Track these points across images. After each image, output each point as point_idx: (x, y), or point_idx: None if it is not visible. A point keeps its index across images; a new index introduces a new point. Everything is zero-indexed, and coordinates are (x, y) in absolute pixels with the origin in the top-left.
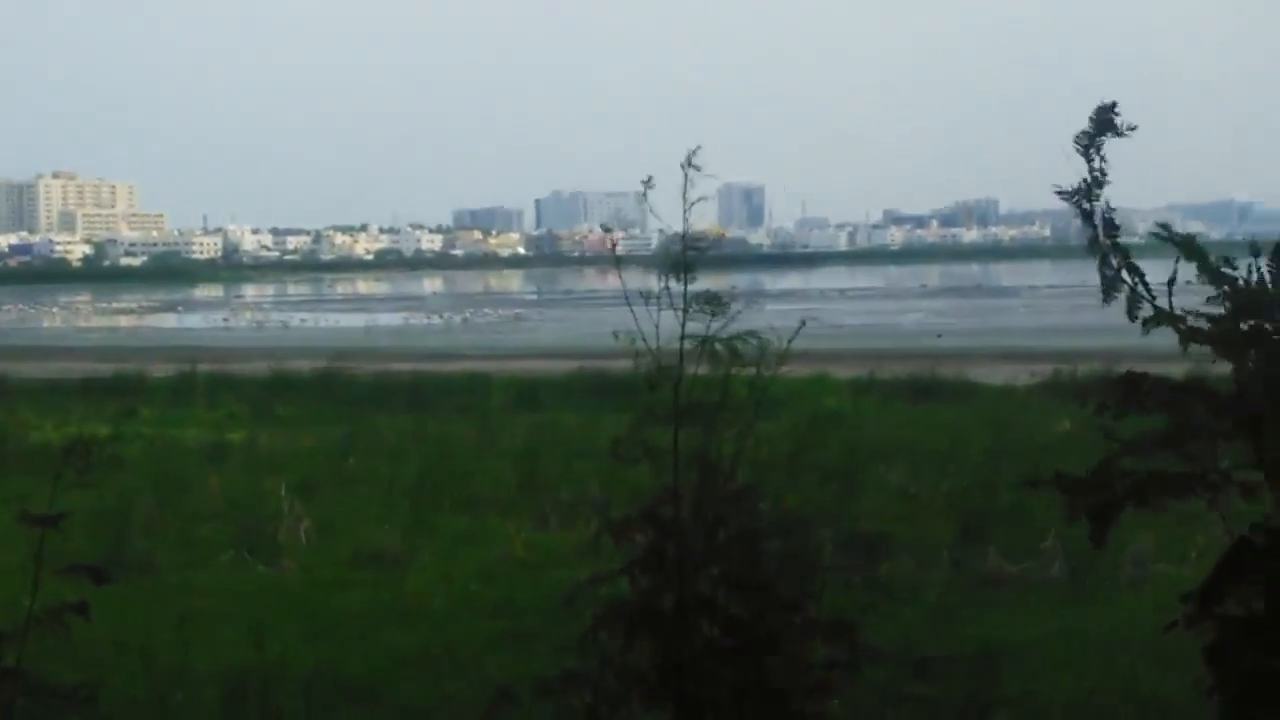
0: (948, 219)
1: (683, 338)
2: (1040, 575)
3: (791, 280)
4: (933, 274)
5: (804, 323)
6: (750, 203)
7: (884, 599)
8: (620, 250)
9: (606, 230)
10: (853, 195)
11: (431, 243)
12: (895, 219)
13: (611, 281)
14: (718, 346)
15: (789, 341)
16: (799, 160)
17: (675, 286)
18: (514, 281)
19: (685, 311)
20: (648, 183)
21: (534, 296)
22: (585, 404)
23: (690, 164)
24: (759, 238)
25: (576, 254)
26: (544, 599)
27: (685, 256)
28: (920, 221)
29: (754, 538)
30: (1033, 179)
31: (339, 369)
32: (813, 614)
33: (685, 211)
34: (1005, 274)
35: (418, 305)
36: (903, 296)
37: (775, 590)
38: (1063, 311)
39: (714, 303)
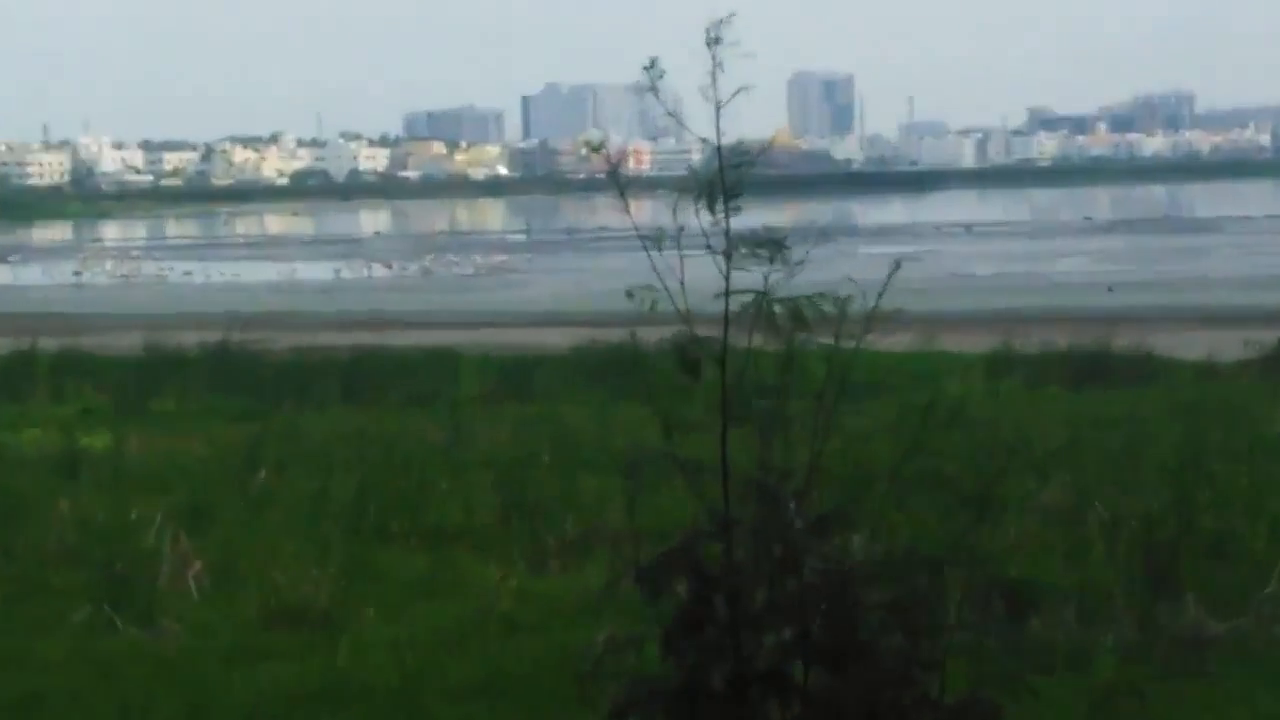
0: (1121, 120)
1: (727, 296)
2: (1259, 636)
3: (894, 210)
4: (1100, 199)
5: (899, 265)
6: (834, 100)
7: (1035, 671)
8: (650, 168)
9: (594, 148)
10: (983, 89)
11: (373, 159)
12: (1045, 121)
13: (637, 216)
14: (777, 308)
15: (880, 294)
16: (903, 41)
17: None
18: (493, 215)
19: (729, 259)
20: (653, 68)
21: (522, 237)
22: (595, 391)
23: (714, 39)
24: (847, 149)
25: (583, 174)
26: (541, 674)
27: (723, 177)
28: (1081, 125)
29: (842, 584)
30: (1245, 65)
31: (242, 343)
32: (933, 692)
33: (716, 109)
34: (1205, 199)
35: (355, 250)
36: (1057, 233)
37: (875, 658)
38: None
39: (764, 246)
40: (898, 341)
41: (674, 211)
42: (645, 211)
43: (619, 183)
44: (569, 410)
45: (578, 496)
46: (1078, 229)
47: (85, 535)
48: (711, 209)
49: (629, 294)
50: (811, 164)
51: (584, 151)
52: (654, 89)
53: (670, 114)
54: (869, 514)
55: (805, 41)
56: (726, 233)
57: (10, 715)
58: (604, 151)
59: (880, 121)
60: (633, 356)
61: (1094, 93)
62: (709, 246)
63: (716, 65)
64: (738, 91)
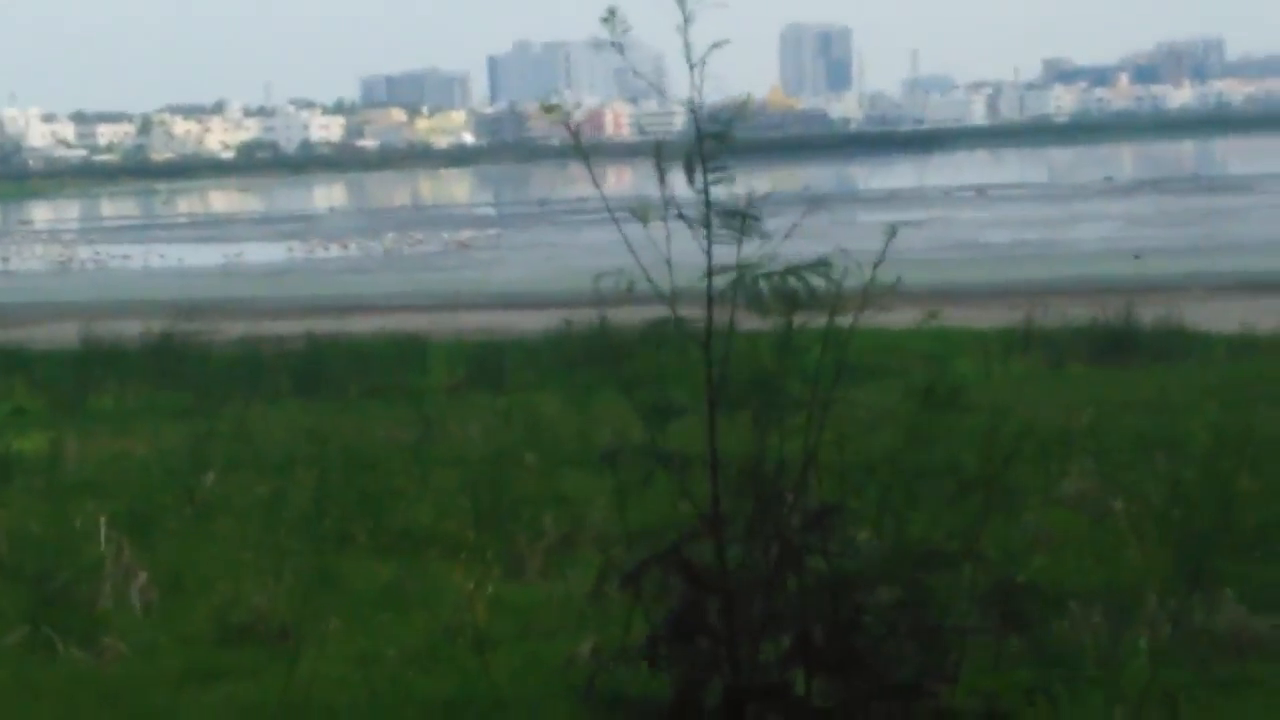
0: (1145, 71)
1: (710, 272)
2: None
3: (899, 174)
4: (1123, 157)
5: (895, 232)
6: (830, 55)
7: (1058, 678)
8: (630, 133)
9: (550, 110)
10: (994, 39)
11: (327, 129)
12: (1062, 74)
13: (616, 184)
14: (762, 284)
15: (876, 265)
16: None
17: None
18: (459, 187)
19: (709, 231)
20: (612, 19)
21: (491, 210)
22: (574, 379)
23: None
24: (846, 108)
25: (556, 141)
26: (521, 692)
27: (700, 142)
28: (1101, 76)
29: (845, 586)
30: None
31: (186, 333)
32: (948, 703)
33: (690, 66)
34: (1238, 155)
35: (309, 228)
36: (1077, 195)
37: (882, 667)
38: None
39: (738, 218)
40: (902, 318)
41: (659, 179)
42: (625, 180)
43: (582, 150)
44: (546, 400)
45: (556, 494)
46: (1099, 190)
47: (19, 548)
48: (690, 177)
49: (598, 279)
50: (807, 124)
51: (549, 116)
52: (617, 45)
53: (637, 73)
54: (872, 507)
55: None
56: (706, 203)
57: None
58: (565, 116)
59: (881, 78)
60: (610, 343)
61: (1115, 41)
62: (681, 217)
63: (687, 17)
64: (714, 46)
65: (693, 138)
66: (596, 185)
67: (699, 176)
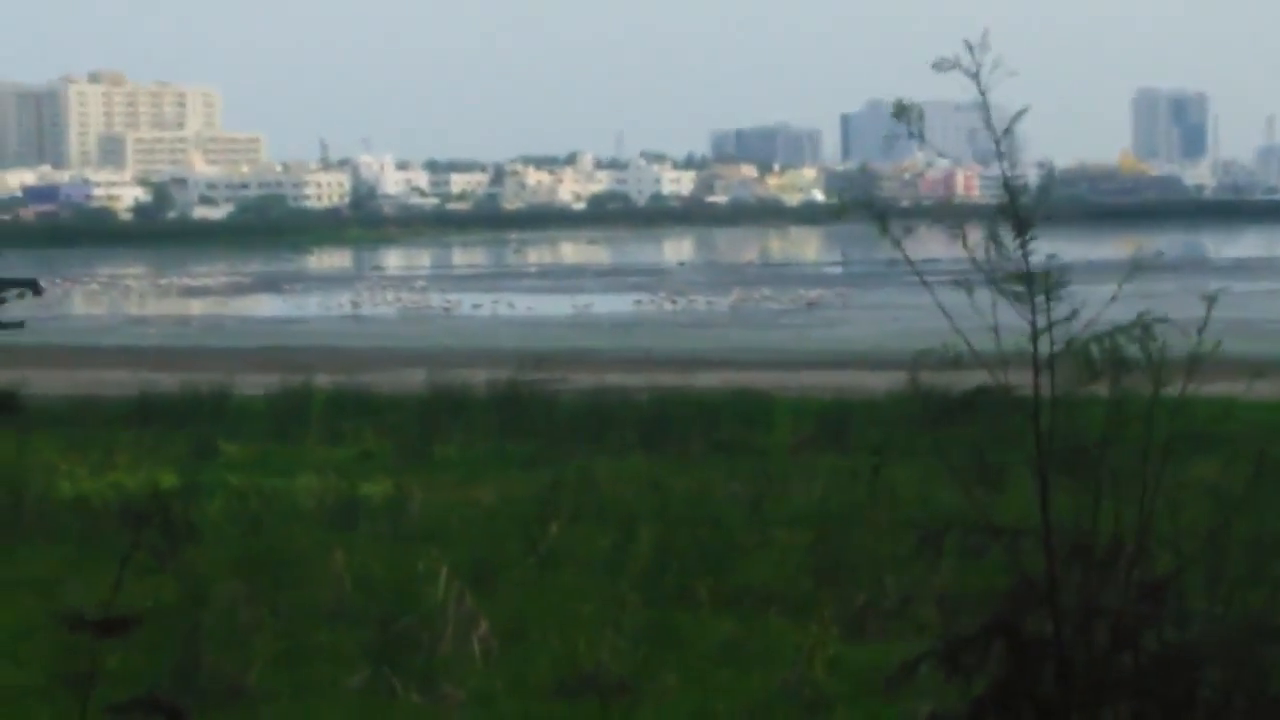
0: None
1: (1035, 340)
2: None
3: (1249, 242)
4: None
5: (1215, 298)
6: (1184, 121)
7: None
8: (981, 194)
9: (841, 211)
10: None
11: (677, 183)
12: None
13: (964, 246)
14: (1093, 350)
15: (1200, 330)
16: (1262, 54)
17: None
18: (808, 245)
19: (1032, 297)
20: (903, 111)
21: (839, 269)
22: (921, 440)
23: (974, 65)
24: (1199, 175)
25: (906, 201)
26: None
27: (1015, 205)
28: None
29: (1185, 663)
30: None
31: (533, 383)
32: None
33: (1000, 134)
34: None
35: (657, 282)
36: None
37: None
38: None
39: (1041, 284)
40: (1241, 387)
41: (986, 241)
42: (973, 241)
43: (884, 220)
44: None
45: (900, 556)
46: None
47: (363, 592)
48: (996, 240)
49: (921, 354)
50: (1160, 190)
51: (909, 175)
52: (915, 134)
53: (941, 154)
54: (1208, 580)
55: (1151, 59)
56: (1027, 269)
57: None
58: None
59: (1236, 144)
60: (939, 409)
61: None
62: (994, 284)
63: (983, 89)
64: (1019, 114)
65: (1006, 203)
66: (902, 252)
67: (1013, 242)
